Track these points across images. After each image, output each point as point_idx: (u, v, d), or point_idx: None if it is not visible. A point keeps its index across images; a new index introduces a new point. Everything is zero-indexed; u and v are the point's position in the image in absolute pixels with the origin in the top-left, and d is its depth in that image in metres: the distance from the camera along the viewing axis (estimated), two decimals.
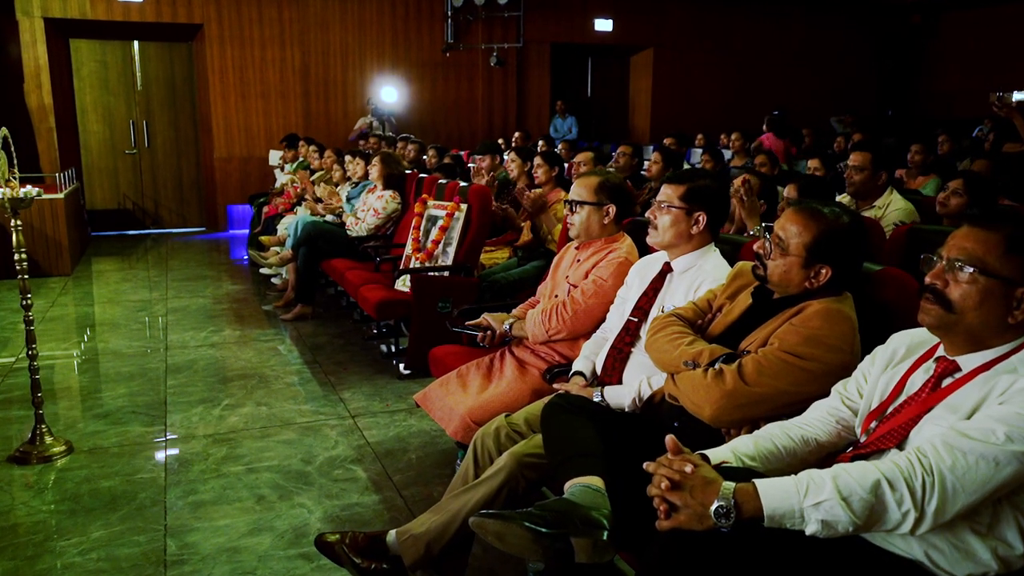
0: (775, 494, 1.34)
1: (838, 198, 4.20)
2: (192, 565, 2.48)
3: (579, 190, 2.75)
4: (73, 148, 9.34)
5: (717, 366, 1.81)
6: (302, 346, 4.88)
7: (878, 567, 1.40)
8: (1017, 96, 5.01)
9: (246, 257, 7.44)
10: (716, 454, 1.55)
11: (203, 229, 10.05)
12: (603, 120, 12.13)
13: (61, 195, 6.99)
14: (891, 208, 3.72)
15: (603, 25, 11.15)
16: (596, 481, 1.71)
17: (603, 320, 2.61)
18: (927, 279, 1.47)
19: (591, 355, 2.47)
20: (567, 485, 1.71)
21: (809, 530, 1.33)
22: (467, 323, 2.83)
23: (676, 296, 2.30)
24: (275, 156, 8.96)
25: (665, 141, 7.64)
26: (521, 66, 10.90)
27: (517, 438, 2.23)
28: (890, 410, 1.54)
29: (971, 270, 1.41)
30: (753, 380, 1.75)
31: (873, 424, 1.55)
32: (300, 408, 3.84)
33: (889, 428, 1.51)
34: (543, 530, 1.55)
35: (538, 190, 4.72)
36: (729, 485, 1.35)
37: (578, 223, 2.74)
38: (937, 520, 1.31)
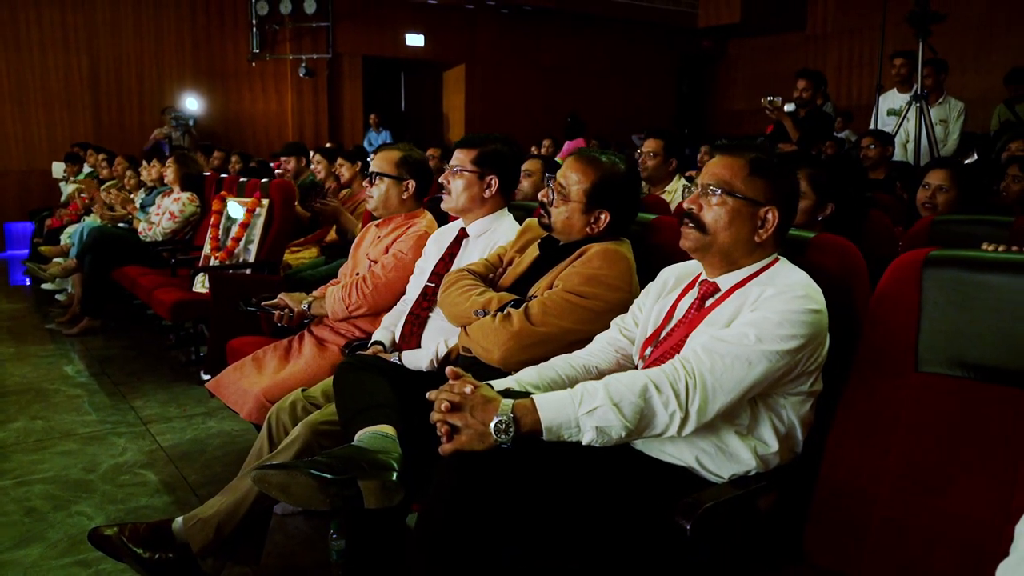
0: (552, 406, 1.36)
1: None
2: None
3: (379, 163, 2.71)
4: None
5: (506, 311, 1.83)
6: (89, 359, 4.47)
7: (654, 476, 1.46)
8: (788, 108, 5.50)
9: (28, 276, 6.72)
10: (500, 383, 1.55)
11: None
12: (419, 134, 12.15)
13: None
14: (679, 193, 3.98)
15: (414, 40, 11.19)
16: (387, 429, 1.67)
17: (404, 293, 2.58)
18: (685, 205, 1.57)
19: (390, 325, 2.43)
20: (357, 435, 1.65)
21: (585, 439, 1.36)
22: (263, 302, 2.70)
23: (472, 260, 2.31)
24: (58, 168, 8.21)
25: None
26: (332, 78, 10.71)
27: (313, 411, 2.14)
28: (663, 335, 1.62)
29: (720, 192, 1.52)
30: (539, 320, 1.78)
31: (648, 350, 1.63)
32: (83, 419, 3.49)
33: (663, 351, 1.58)
34: (328, 476, 1.49)
35: (336, 198, 4.67)
36: (508, 402, 1.36)
37: (377, 196, 2.69)
38: (700, 419, 1.39)
